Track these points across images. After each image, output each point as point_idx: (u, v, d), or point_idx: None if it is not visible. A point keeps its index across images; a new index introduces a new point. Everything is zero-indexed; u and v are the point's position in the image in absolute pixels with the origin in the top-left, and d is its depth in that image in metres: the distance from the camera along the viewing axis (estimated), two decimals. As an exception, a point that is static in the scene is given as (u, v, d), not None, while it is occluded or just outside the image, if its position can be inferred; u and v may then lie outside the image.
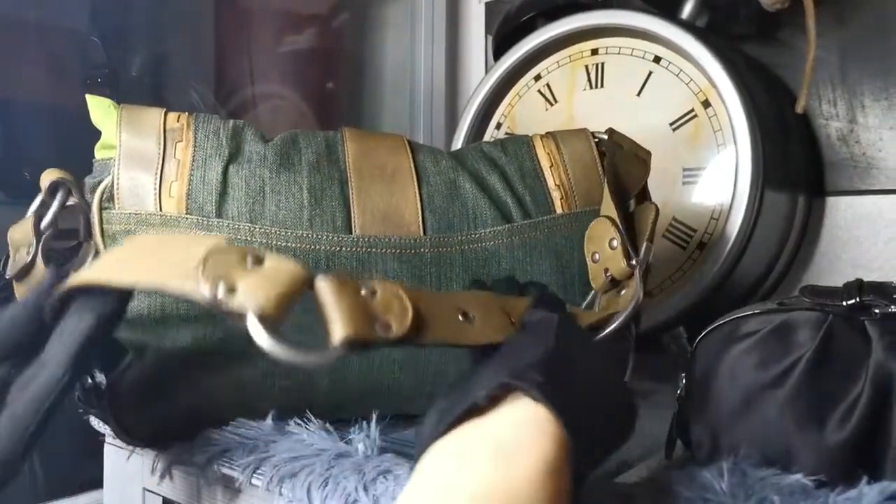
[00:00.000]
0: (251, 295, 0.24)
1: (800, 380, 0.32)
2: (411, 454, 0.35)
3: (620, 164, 0.44)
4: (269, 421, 0.37)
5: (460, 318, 0.28)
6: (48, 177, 0.39)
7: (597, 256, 0.41)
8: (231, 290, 0.24)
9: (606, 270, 0.40)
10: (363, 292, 0.25)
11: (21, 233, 0.39)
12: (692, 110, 0.63)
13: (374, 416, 0.35)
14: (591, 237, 0.42)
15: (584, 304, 0.40)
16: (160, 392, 0.38)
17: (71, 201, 0.39)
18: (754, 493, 0.28)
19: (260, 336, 0.23)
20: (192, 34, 0.74)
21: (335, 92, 0.85)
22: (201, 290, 0.24)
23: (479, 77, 0.87)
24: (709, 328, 0.37)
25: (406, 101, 0.89)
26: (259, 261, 0.25)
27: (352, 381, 0.39)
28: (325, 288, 0.25)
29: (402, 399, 0.41)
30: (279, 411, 0.38)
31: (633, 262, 0.38)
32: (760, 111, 0.60)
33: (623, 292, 0.39)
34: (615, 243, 0.39)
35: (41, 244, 0.38)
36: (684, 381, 0.37)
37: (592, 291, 0.41)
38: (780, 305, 0.36)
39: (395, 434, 0.39)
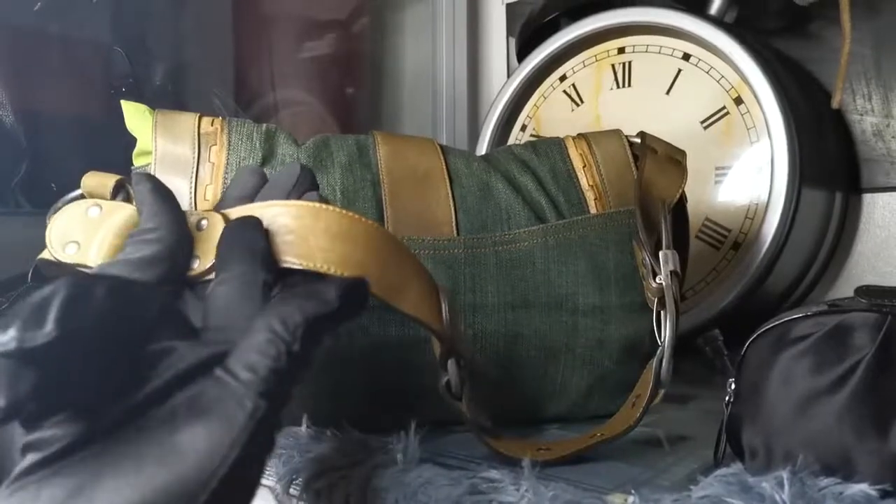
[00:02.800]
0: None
1: (859, 384, 0.31)
2: (452, 464, 0.34)
3: (655, 172, 0.43)
4: (303, 429, 0.37)
5: None
6: (98, 179, 0.38)
7: (644, 278, 0.41)
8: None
9: (650, 293, 0.40)
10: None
11: (67, 227, 0.38)
12: (724, 107, 0.62)
13: (413, 425, 0.35)
14: (636, 259, 0.42)
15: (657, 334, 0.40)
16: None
17: None
18: (816, 503, 0.27)
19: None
20: (212, 42, 0.75)
21: (356, 97, 0.85)
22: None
23: (501, 80, 0.87)
24: (758, 332, 0.36)
25: (427, 105, 0.90)
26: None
27: (387, 383, 0.39)
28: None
29: (442, 405, 0.40)
30: (313, 419, 0.38)
31: (659, 280, 0.38)
32: (795, 106, 0.59)
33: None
34: (646, 262, 0.39)
35: None
36: (733, 386, 0.36)
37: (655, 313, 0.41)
38: (831, 307, 0.35)
39: (434, 443, 0.39)
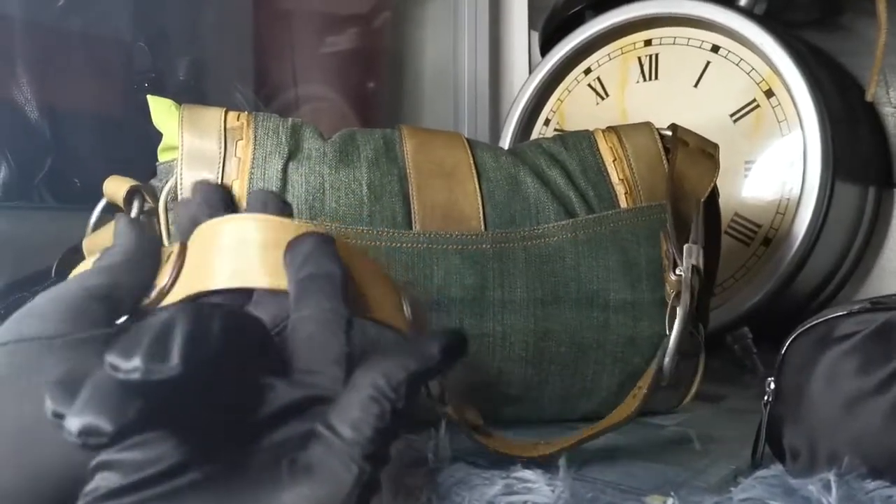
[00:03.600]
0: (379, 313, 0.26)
1: (908, 383, 0.30)
2: (484, 464, 0.34)
3: (686, 165, 0.43)
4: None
5: None
6: (116, 184, 0.39)
7: (665, 272, 0.40)
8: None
9: (669, 286, 0.40)
10: None
11: (106, 239, 0.39)
12: (754, 100, 0.61)
13: (443, 423, 0.34)
14: (662, 253, 0.41)
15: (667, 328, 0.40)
16: None
17: (147, 206, 0.39)
18: (864, 506, 0.26)
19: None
20: (233, 37, 0.75)
21: (377, 92, 0.85)
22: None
23: (523, 74, 0.87)
24: (798, 330, 0.35)
25: (449, 100, 0.89)
26: None
27: None
28: None
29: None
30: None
31: (679, 272, 0.38)
32: (827, 99, 0.58)
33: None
34: (669, 253, 0.39)
35: None
36: (772, 385, 0.35)
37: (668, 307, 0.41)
38: (874, 304, 0.34)
39: (464, 441, 0.38)
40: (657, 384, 0.36)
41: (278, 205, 0.29)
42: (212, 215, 0.28)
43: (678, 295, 0.38)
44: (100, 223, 0.40)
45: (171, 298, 0.26)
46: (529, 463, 0.33)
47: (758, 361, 0.57)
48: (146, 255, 0.27)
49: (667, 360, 0.37)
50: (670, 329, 0.38)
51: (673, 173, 0.42)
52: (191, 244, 0.28)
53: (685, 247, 0.38)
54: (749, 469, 0.34)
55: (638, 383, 0.37)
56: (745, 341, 0.58)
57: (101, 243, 0.39)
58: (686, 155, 0.43)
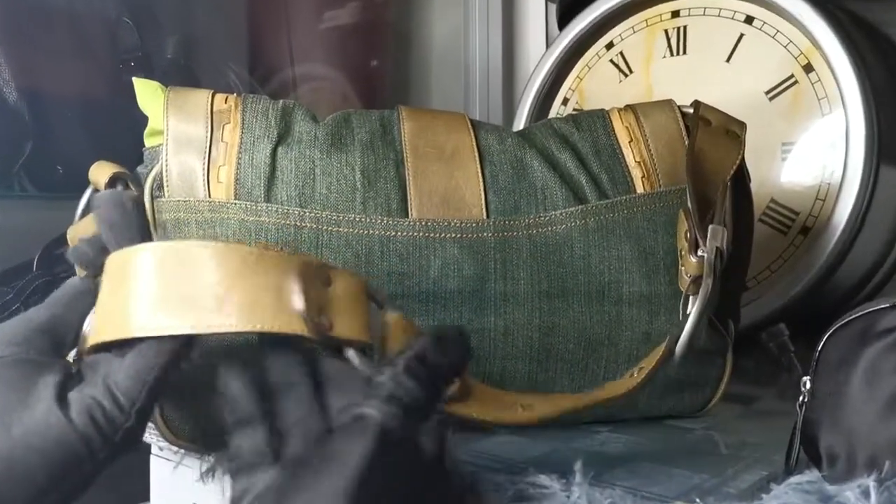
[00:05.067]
0: (346, 327, 0.25)
1: (958, 384, 0.30)
2: (496, 468, 0.35)
3: (708, 144, 0.43)
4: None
5: None
6: (101, 171, 0.40)
7: (682, 254, 0.41)
8: (329, 323, 0.25)
9: (686, 269, 0.40)
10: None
11: (88, 228, 0.40)
12: (791, 76, 0.61)
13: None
14: (677, 232, 0.42)
15: (681, 307, 0.40)
16: (209, 382, 0.39)
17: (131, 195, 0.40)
18: (908, 516, 0.27)
19: (363, 366, 0.25)
20: (226, 12, 0.76)
21: (381, 70, 0.86)
22: (301, 328, 0.24)
23: (539, 50, 0.87)
24: (837, 324, 0.35)
25: (459, 78, 0.90)
26: (327, 280, 0.26)
27: None
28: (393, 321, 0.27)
29: None
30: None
31: (700, 252, 0.38)
32: (872, 74, 0.58)
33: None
34: (689, 235, 0.39)
35: None
36: (808, 385, 0.35)
37: (682, 295, 0.41)
38: (921, 297, 0.34)
39: (473, 444, 0.40)
40: (660, 369, 0.36)
41: (128, 205, 0.29)
42: (119, 242, 0.28)
43: (696, 281, 0.38)
44: (87, 214, 0.41)
45: (91, 342, 0.27)
46: (542, 466, 0.34)
47: (795, 360, 0.56)
48: (85, 290, 0.30)
49: (678, 346, 0.37)
50: (685, 312, 0.38)
51: (693, 150, 0.42)
52: (104, 279, 0.27)
53: (710, 227, 0.38)
54: (782, 475, 0.35)
55: (641, 363, 0.37)
56: (781, 339, 0.56)
57: (84, 236, 0.41)
58: (708, 134, 0.43)
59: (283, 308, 0.24)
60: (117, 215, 0.30)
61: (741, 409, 0.49)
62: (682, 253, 0.40)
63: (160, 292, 0.24)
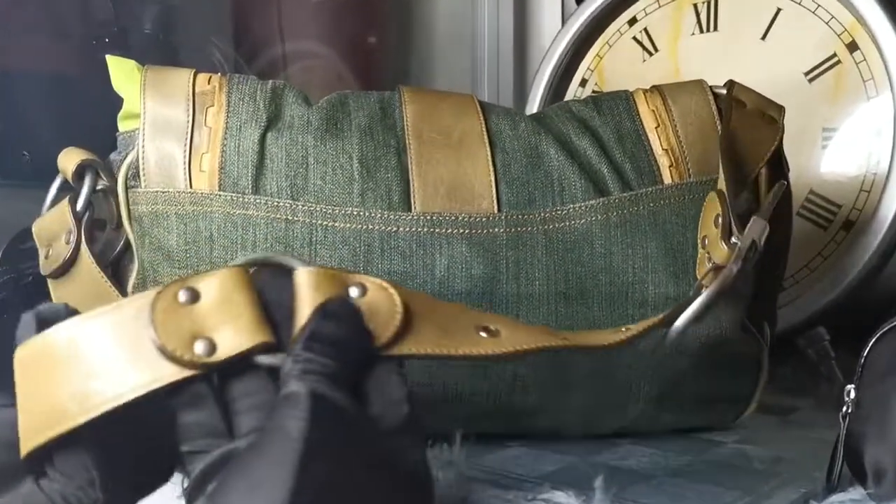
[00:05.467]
0: (232, 340, 0.24)
1: None
2: (507, 483, 0.35)
3: (742, 128, 0.43)
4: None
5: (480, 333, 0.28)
6: (70, 158, 0.40)
7: (706, 241, 0.41)
8: (210, 346, 0.24)
9: (709, 257, 0.40)
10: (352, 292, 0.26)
11: (53, 222, 0.41)
12: (833, 55, 0.61)
13: (458, 437, 0.35)
14: (702, 218, 0.42)
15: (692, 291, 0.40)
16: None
17: (101, 185, 0.41)
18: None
19: (275, 361, 0.25)
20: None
21: (379, 48, 0.86)
22: (174, 375, 0.24)
23: (554, 25, 0.87)
24: (883, 328, 0.35)
25: (466, 57, 0.90)
26: (192, 296, 0.25)
27: (412, 388, 0.39)
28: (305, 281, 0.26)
29: (479, 413, 0.41)
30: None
31: (734, 239, 0.37)
32: (923, 53, 0.57)
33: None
34: (720, 220, 0.39)
35: (83, 230, 0.40)
36: (853, 395, 0.35)
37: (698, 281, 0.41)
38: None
39: (483, 458, 0.40)
40: (646, 334, 0.35)
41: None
42: (22, 335, 0.26)
43: (718, 270, 0.38)
44: (57, 204, 0.42)
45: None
46: (558, 482, 0.34)
47: (836, 368, 0.57)
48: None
49: (680, 320, 0.36)
50: (698, 288, 0.38)
51: (728, 130, 0.42)
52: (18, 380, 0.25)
53: (753, 218, 0.38)
54: (823, 492, 0.35)
55: (633, 327, 0.36)
56: (820, 344, 0.58)
57: (53, 228, 0.41)
58: (742, 117, 0.43)
59: (143, 366, 0.24)
60: None
61: (777, 421, 0.50)
62: (707, 240, 0.40)
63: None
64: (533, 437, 0.43)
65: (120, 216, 0.41)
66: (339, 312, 0.25)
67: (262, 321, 0.25)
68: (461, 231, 0.40)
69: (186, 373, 0.24)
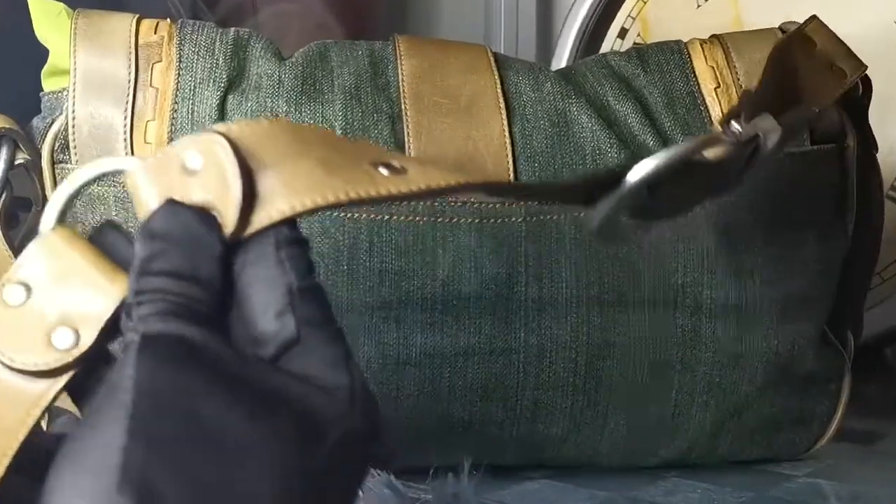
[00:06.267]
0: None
1: None
2: None
3: (804, 68, 0.42)
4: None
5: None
6: None
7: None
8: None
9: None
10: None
11: None
12: (936, -1, 0.61)
13: (466, 465, 0.36)
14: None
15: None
16: None
17: (20, 158, 0.40)
18: None
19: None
20: None
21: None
22: None
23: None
24: None
25: (478, 1, 0.89)
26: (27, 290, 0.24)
27: (407, 414, 0.40)
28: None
29: (487, 442, 0.41)
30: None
31: (735, 125, 0.35)
32: None
33: None
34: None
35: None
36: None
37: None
38: None
39: (496, 492, 0.40)
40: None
41: None
42: None
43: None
44: None
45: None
46: None
47: None
48: None
49: (602, 206, 0.31)
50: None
51: (781, 51, 0.41)
52: None
53: (763, 114, 0.35)
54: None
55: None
56: None
57: None
58: (806, 57, 0.42)
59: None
60: None
61: (858, 450, 0.50)
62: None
63: None
64: (558, 469, 0.44)
65: (45, 196, 0.40)
66: (157, 227, 0.23)
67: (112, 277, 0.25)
68: (470, 220, 0.39)
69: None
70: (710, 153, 0.34)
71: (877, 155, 0.46)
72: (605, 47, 0.73)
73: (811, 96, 0.42)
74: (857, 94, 0.45)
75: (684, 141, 0.35)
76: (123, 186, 0.39)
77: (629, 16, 0.73)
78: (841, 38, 0.45)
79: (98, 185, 0.39)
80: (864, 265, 0.47)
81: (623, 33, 0.73)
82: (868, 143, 0.45)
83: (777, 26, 0.46)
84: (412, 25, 0.89)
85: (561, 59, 0.73)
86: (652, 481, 0.43)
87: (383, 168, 0.26)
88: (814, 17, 0.44)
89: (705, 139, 0.34)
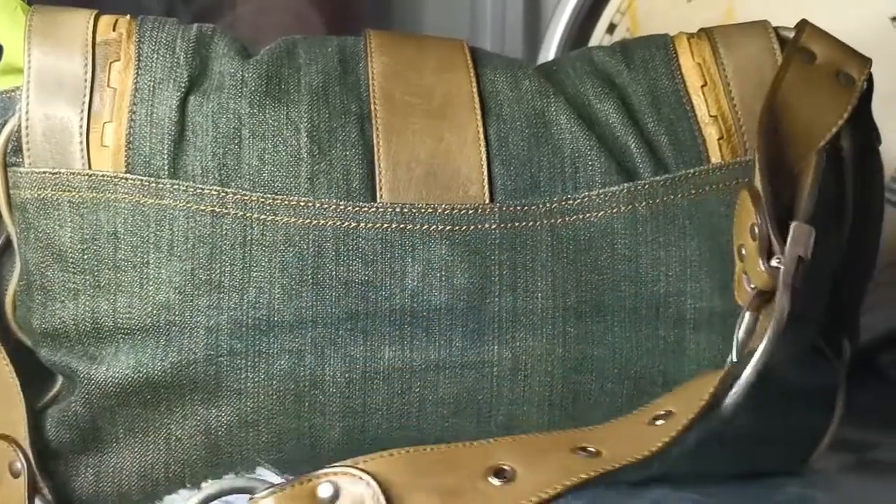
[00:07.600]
0: None
1: None
2: None
3: (799, 91, 0.42)
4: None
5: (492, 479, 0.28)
6: None
7: (743, 252, 0.40)
8: None
9: (748, 278, 0.39)
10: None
11: None
12: (933, -7, 0.62)
13: None
14: (736, 221, 0.41)
15: (738, 331, 0.39)
16: (96, 441, 0.40)
17: None
18: None
19: None
20: None
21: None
22: None
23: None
24: None
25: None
26: None
27: (375, 430, 0.40)
28: None
29: None
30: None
31: (775, 262, 0.36)
32: None
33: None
34: (756, 231, 0.38)
35: None
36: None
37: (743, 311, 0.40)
38: None
39: None
40: (704, 415, 0.34)
41: None
42: None
43: (762, 296, 0.36)
44: None
45: None
46: None
47: None
48: None
49: (730, 397, 0.34)
50: (742, 347, 0.37)
51: (774, 97, 0.40)
52: None
53: (793, 225, 0.36)
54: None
55: (663, 403, 0.35)
56: None
57: None
58: (804, 73, 0.42)
59: None
60: None
61: (852, 460, 0.50)
62: (745, 252, 0.39)
63: None
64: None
65: None
66: None
67: None
68: (441, 227, 0.39)
69: None
70: (777, 321, 0.34)
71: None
72: (594, 42, 0.74)
73: (821, 115, 0.41)
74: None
75: (764, 343, 0.34)
76: (78, 192, 0.39)
77: (618, 11, 0.74)
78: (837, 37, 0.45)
79: (52, 190, 0.39)
80: (860, 271, 0.47)
81: (612, 28, 0.74)
82: (871, 138, 0.45)
83: (764, 21, 0.45)
84: (398, 18, 0.89)
85: (548, 55, 0.74)
86: (637, 491, 0.42)
87: (494, 477, 0.29)
88: (805, 23, 0.44)
89: (779, 325, 0.34)
